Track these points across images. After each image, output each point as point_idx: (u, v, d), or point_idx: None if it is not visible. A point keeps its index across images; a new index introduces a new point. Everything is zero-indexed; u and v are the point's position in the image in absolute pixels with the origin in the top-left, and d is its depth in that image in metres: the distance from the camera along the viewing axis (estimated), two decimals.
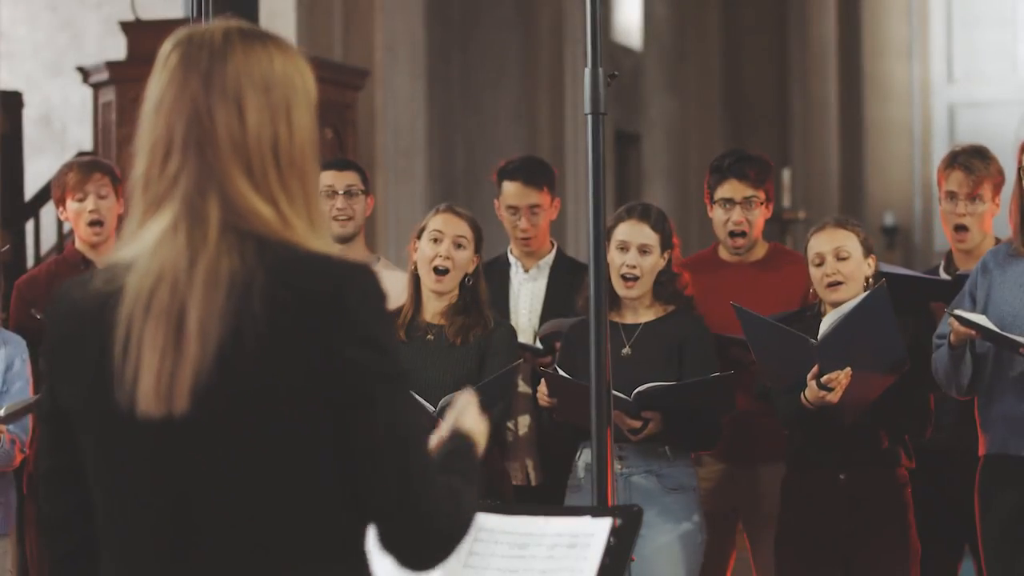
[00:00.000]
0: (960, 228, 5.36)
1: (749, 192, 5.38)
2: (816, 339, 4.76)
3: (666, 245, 5.00)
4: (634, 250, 4.95)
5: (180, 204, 2.20)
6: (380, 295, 2.21)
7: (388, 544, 2.21)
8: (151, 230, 2.22)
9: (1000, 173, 5.40)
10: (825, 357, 4.72)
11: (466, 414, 2.46)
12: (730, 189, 5.39)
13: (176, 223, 2.20)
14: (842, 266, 4.96)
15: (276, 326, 2.15)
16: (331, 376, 2.16)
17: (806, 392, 4.78)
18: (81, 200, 5.58)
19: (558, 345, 5.15)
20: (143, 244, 2.22)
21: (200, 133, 2.21)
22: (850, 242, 4.98)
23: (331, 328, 2.16)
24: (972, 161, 5.35)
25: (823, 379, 4.73)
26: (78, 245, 5.67)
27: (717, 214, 5.44)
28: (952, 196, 5.35)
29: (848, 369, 4.72)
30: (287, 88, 2.25)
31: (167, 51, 2.28)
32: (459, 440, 2.41)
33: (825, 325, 4.79)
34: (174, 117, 2.22)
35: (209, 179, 2.20)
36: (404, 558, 2.22)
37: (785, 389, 4.90)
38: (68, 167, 5.64)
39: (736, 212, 5.39)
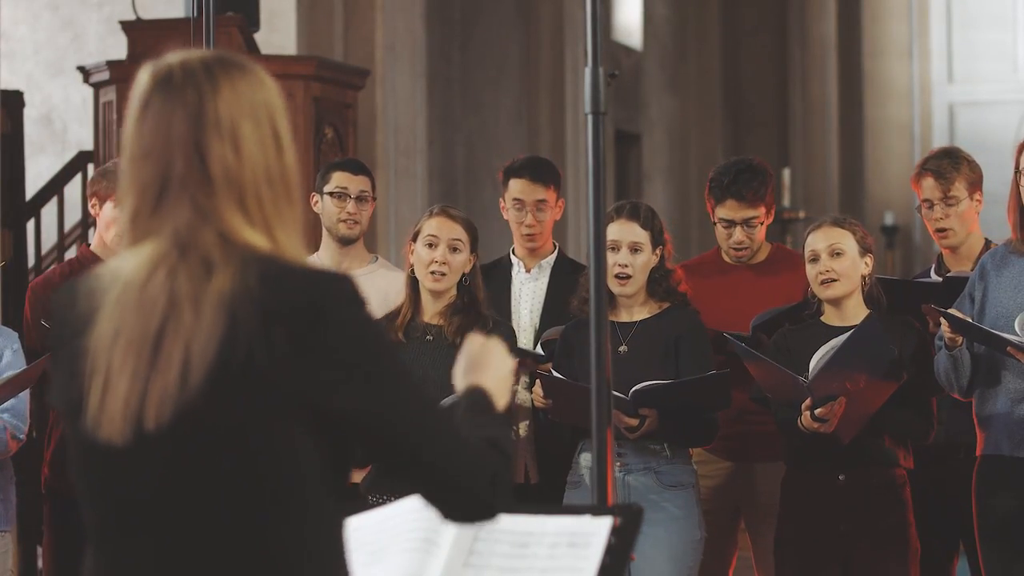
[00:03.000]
0: (941, 229, 5.38)
1: (749, 213, 5.39)
2: (808, 373, 4.80)
3: (657, 242, 5.01)
4: (625, 249, 4.96)
5: (168, 237, 2.22)
6: (360, 301, 2.23)
7: (435, 509, 2.29)
8: (133, 258, 2.24)
9: (974, 170, 5.39)
10: (817, 393, 4.75)
11: (481, 367, 2.47)
12: (729, 210, 5.40)
13: (164, 253, 2.22)
14: (836, 263, 4.99)
15: (263, 340, 2.16)
16: (320, 384, 2.19)
17: (801, 419, 4.81)
18: None
19: None
20: (122, 270, 2.24)
21: (192, 173, 2.23)
22: (845, 240, 5.00)
23: (315, 338, 2.18)
24: (940, 164, 5.36)
25: (817, 412, 4.76)
26: (94, 247, 5.62)
27: (719, 231, 5.47)
28: (928, 203, 5.38)
29: (842, 399, 4.74)
30: (271, 111, 2.28)
31: (146, 90, 2.28)
32: (474, 397, 2.42)
33: (815, 360, 4.82)
34: (165, 159, 2.24)
35: (202, 218, 2.22)
36: (452, 518, 2.30)
37: (784, 404, 4.93)
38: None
39: (737, 232, 5.41)
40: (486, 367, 2.47)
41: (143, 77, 2.29)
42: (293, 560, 2.21)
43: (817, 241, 5.02)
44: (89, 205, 5.67)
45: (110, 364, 2.20)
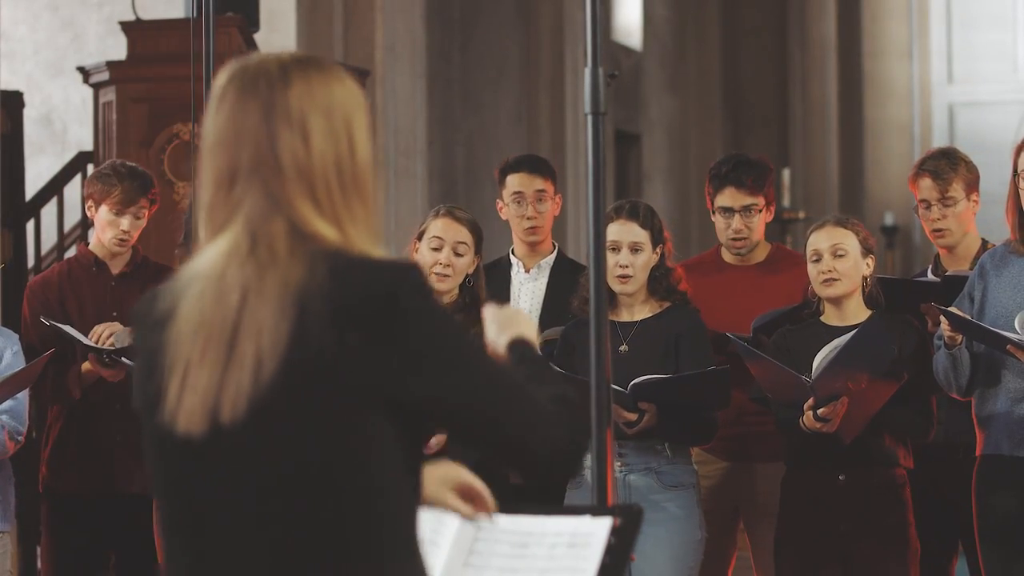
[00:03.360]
0: (937, 230, 5.37)
1: (748, 200, 5.40)
2: (811, 373, 4.80)
3: (657, 240, 5.01)
4: (625, 249, 4.97)
5: (242, 228, 2.25)
6: (430, 289, 2.27)
7: (518, 473, 2.38)
8: (210, 252, 2.27)
9: (972, 171, 5.39)
10: (820, 392, 4.75)
11: (510, 324, 2.52)
12: (729, 197, 5.41)
13: (236, 246, 2.25)
14: (838, 263, 5.00)
15: (335, 332, 2.19)
16: (397, 375, 2.21)
17: (804, 419, 4.82)
18: (117, 215, 5.52)
19: None
20: (200, 266, 2.27)
21: (263, 162, 2.26)
22: (848, 240, 5.01)
23: (389, 329, 2.20)
24: (938, 165, 5.35)
25: (820, 412, 4.77)
26: (92, 246, 5.62)
27: (718, 221, 5.47)
28: (925, 203, 5.37)
29: (844, 399, 4.75)
30: (347, 110, 2.30)
31: (222, 85, 2.32)
32: (520, 350, 2.47)
33: (818, 359, 4.82)
34: (236, 148, 2.27)
35: (273, 206, 2.25)
36: (536, 479, 2.37)
37: (785, 405, 4.93)
38: (118, 179, 5.50)
39: (736, 220, 5.41)
40: (515, 324, 2.52)
41: (222, 75, 2.34)
42: (371, 549, 2.23)
43: (820, 240, 5.03)
44: (85, 207, 5.67)
45: (190, 357, 2.22)
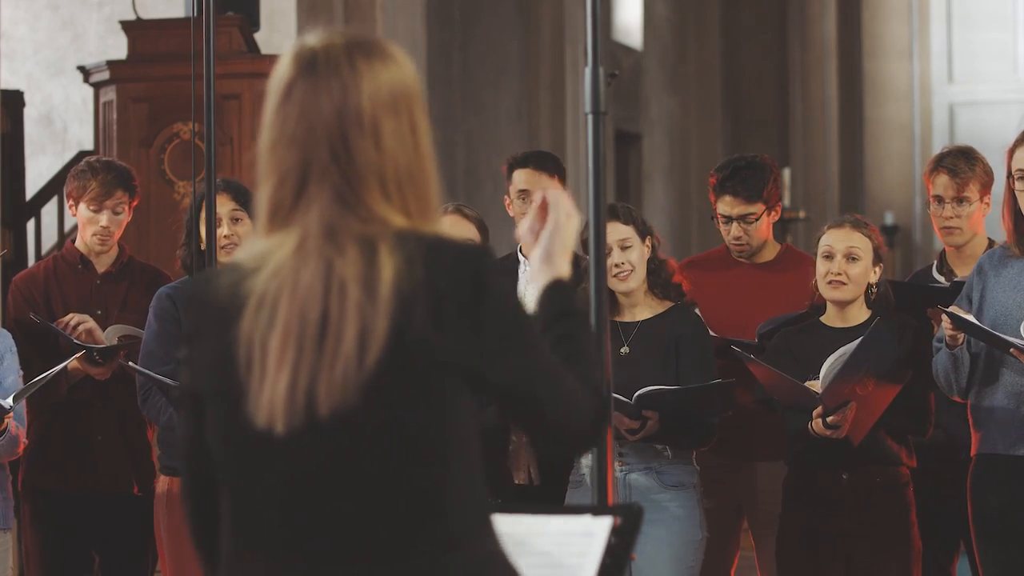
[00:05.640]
0: (947, 228, 5.37)
1: (745, 209, 5.40)
2: (820, 383, 4.80)
3: (643, 233, 5.01)
4: (616, 249, 4.97)
5: (315, 224, 2.25)
6: (504, 272, 2.37)
7: (543, 447, 2.50)
8: (273, 246, 2.27)
9: (987, 173, 5.39)
10: (830, 403, 4.76)
11: (560, 252, 2.52)
12: (727, 206, 5.42)
13: (308, 240, 2.24)
14: (850, 267, 4.99)
15: (431, 314, 2.22)
16: (482, 354, 2.25)
17: (812, 425, 4.82)
18: (96, 211, 5.49)
19: None
20: (264, 259, 2.26)
21: (337, 161, 2.26)
22: (864, 245, 5.01)
23: (478, 310, 2.25)
24: (957, 163, 5.34)
25: (829, 420, 4.77)
26: (78, 244, 5.62)
27: (720, 225, 5.48)
28: (939, 200, 5.36)
29: (853, 404, 4.75)
30: (410, 102, 2.33)
31: (289, 76, 2.30)
32: (553, 300, 2.47)
33: (826, 368, 4.81)
34: (308, 147, 2.26)
35: (346, 202, 2.26)
36: (556, 455, 2.47)
37: (792, 408, 4.93)
38: (92, 173, 5.47)
39: (734, 228, 5.42)
40: (564, 253, 2.53)
41: (285, 61, 2.32)
42: (467, 524, 2.27)
43: (837, 241, 5.01)
44: (67, 205, 5.66)
45: (267, 352, 2.22)
